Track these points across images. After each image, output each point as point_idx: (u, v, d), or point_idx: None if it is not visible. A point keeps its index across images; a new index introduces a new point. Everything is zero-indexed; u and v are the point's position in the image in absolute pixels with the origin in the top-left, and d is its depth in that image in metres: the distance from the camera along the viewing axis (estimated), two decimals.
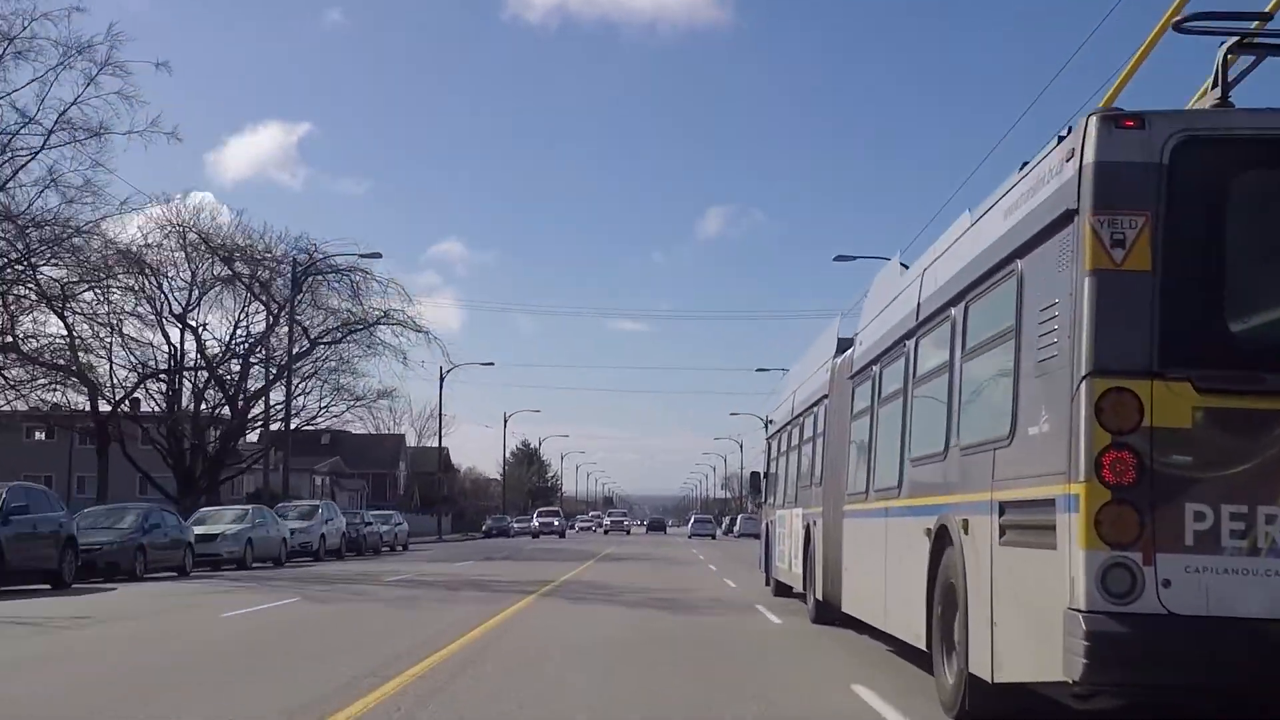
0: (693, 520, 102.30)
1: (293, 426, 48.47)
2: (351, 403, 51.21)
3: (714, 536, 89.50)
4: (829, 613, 14.27)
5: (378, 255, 44.89)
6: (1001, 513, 7.06)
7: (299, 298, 45.66)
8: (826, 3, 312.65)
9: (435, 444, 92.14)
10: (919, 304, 9.77)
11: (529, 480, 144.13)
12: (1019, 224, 7.09)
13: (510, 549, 48.05)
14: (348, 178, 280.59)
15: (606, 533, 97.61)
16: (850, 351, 13.53)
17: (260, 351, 48.06)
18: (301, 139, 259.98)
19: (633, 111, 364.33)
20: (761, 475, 23.31)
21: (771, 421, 22.74)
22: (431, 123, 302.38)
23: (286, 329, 45.30)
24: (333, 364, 49.82)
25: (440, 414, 75.56)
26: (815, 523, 14.86)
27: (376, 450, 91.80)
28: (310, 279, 46.16)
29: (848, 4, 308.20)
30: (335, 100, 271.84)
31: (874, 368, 11.64)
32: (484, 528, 79.54)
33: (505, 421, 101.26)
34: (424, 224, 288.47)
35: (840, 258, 39.76)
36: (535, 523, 77.24)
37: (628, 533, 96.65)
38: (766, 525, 21.48)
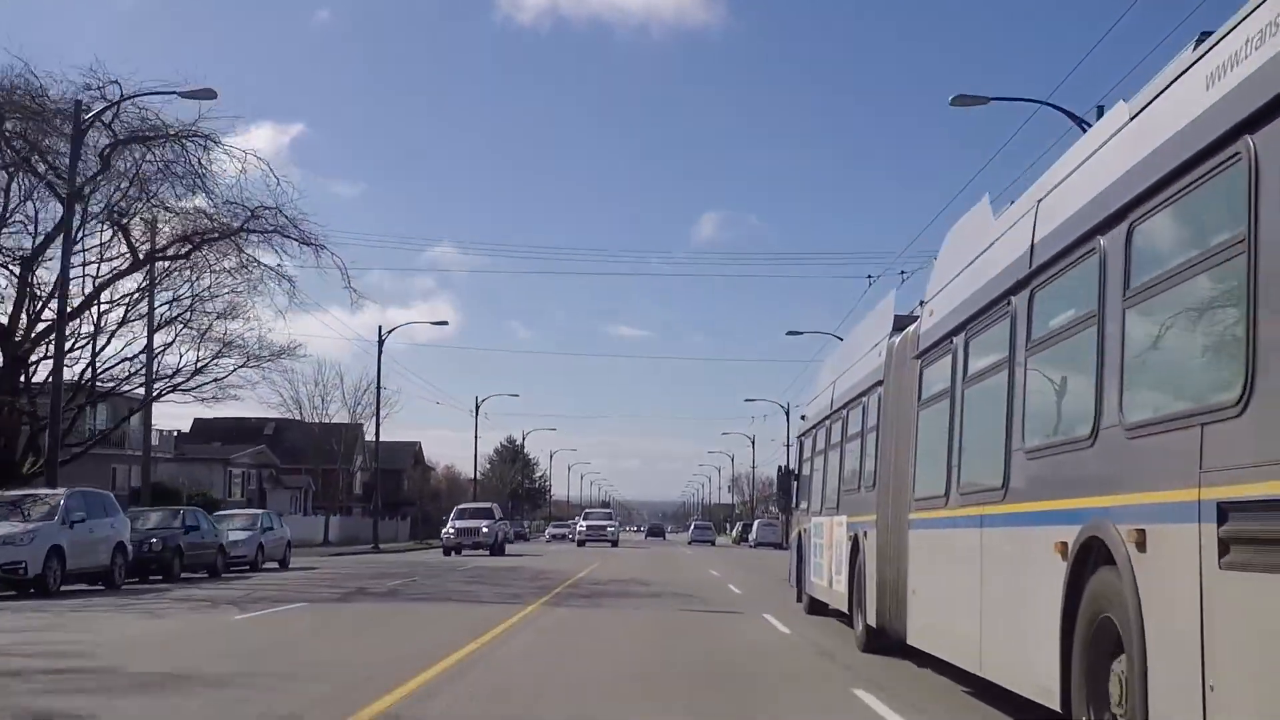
0: (693, 527, 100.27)
1: (152, 393, 35.31)
2: (236, 360, 37.04)
3: (713, 543, 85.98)
4: (881, 641, 11.90)
5: (210, 95, 26.85)
6: (1223, 519, 4.66)
7: (101, 176, 29.09)
8: (817, 4, 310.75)
9: (402, 438, 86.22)
10: (1033, 246, 7.40)
11: (513, 480, 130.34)
12: (1246, 87, 4.71)
13: (429, 572, 30.56)
14: (341, 180, 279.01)
15: (581, 544, 64.95)
16: (914, 327, 11.15)
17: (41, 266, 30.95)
18: (295, 140, 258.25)
19: (626, 115, 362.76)
20: (792, 476, 20.90)
21: (804, 417, 20.34)
22: (425, 126, 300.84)
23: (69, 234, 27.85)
24: (186, 296, 35.43)
25: (379, 385, 57.99)
26: (865, 533, 12.48)
27: (328, 443, 77.99)
28: (116, 146, 29.15)
29: (837, 5, 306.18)
30: (328, 101, 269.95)
31: (954, 340, 9.27)
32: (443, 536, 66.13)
33: (477, 407, 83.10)
34: (419, 228, 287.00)
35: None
36: (451, 528, 48.17)
37: (613, 544, 63.41)
38: (799, 534, 19.08)
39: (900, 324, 12.26)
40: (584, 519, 77.17)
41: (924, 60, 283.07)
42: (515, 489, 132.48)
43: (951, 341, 9.32)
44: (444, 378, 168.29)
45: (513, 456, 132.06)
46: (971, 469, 8.56)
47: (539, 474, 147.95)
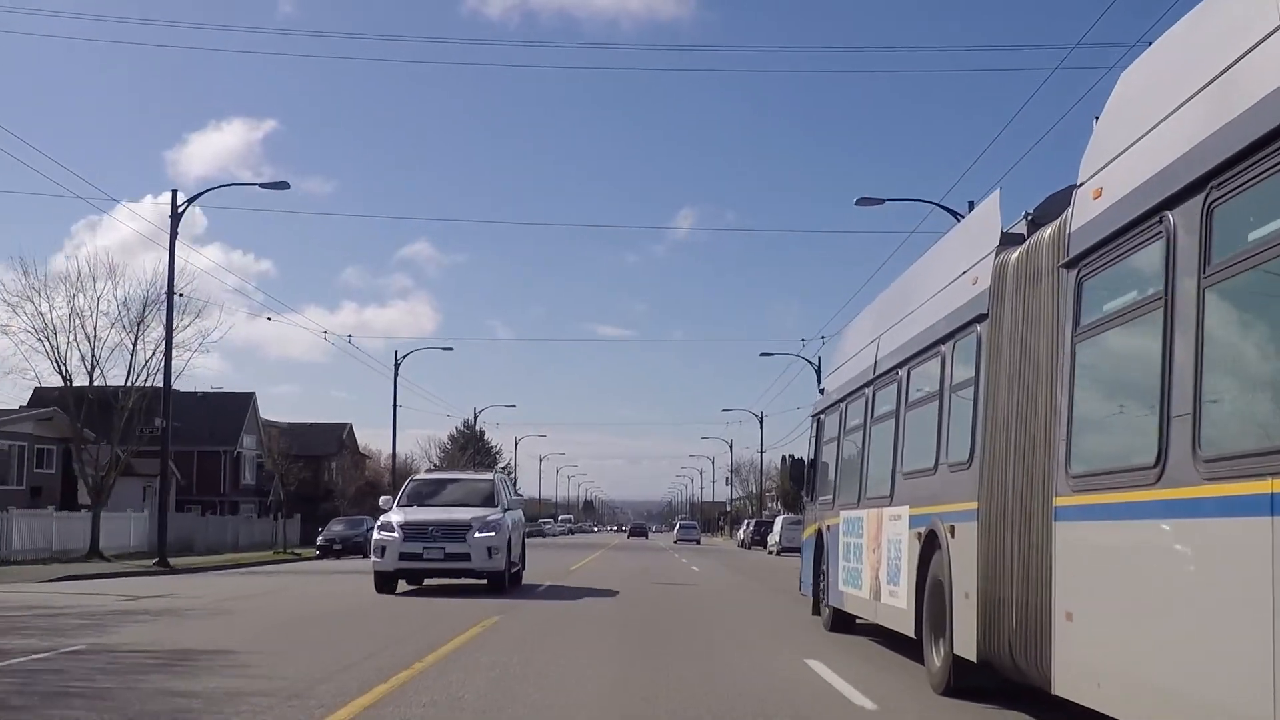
0: (678, 526, 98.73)
1: None
2: None
3: (698, 542, 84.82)
4: (979, 680, 8.41)
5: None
6: None
7: None
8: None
9: (332, 418, 75.64)
10: None
11: (468, 465, 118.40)
12: None
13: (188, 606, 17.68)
14: (314, 176, 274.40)
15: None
16: (1056, 226, 7.60)
17: None
18: (267, 136, 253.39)
19: (598, 110, 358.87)
20: (806, 465, 17.35)
21: (823, 391, 16.76)
22: (396, 121, 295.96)
23: None
24: None
25: (170, 301, 34.28)
26: (951, 529, 8.95)
27: (218, 418, 64.71)
28: None
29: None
30: (299, 98, 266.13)
31: (1169, 215, 5.71)
32: (320, 540, 47.10)
33: (396, 365, 61.90)
34: (393, 225, 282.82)
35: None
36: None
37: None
38: (819, 532, 15.54)
39: (1011, 240, 8.73)
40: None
41: (900, 37, 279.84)
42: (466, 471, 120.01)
43: (1164, 219, 5.75)
44: (424, 376, 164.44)
45: (469, 443, 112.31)
46: (1244, 417, 5.02)
47: (501, 464, 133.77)
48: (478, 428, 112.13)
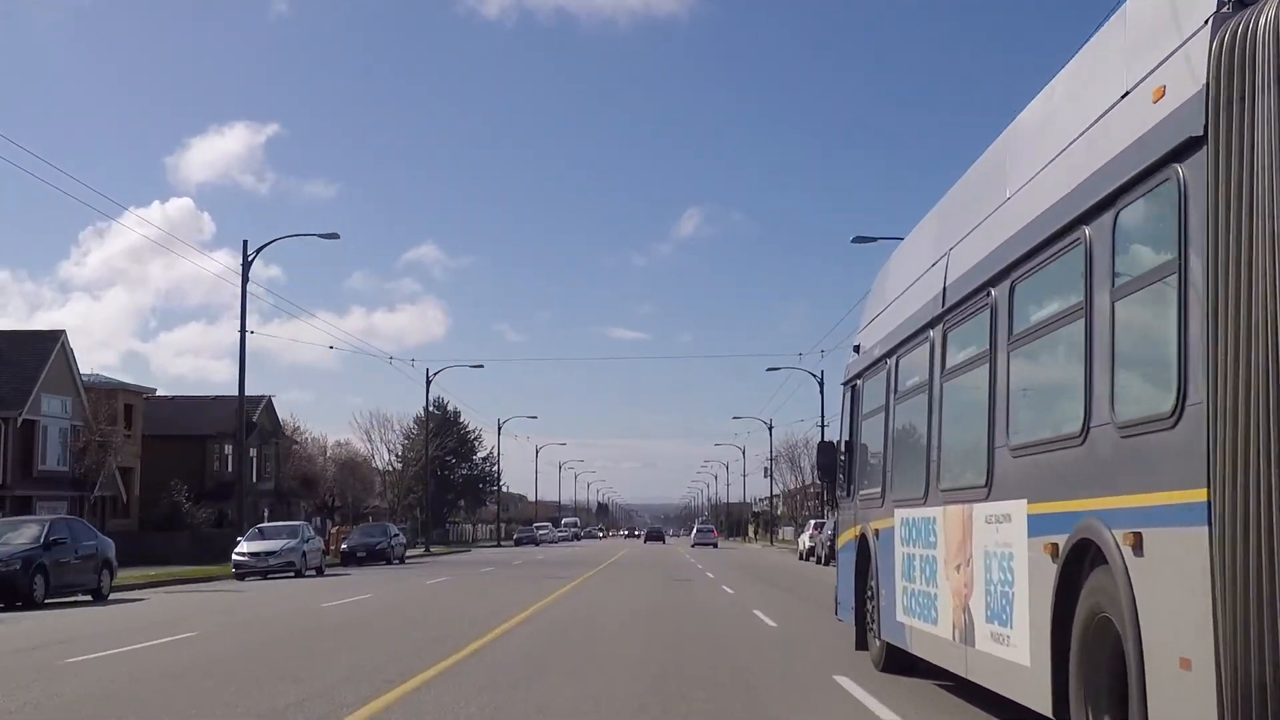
0: (695, 530, 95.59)
1: None
2: None
3: (715, 545, 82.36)
4: None
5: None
6: None
7: None
8: None
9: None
10: None
11: (437, 456, 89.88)
12: None
13: None
14: (317, 180, 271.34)
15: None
16: None
17: None
18: (270, 139, 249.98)
19: (600, 109, 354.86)
20: (839, 450, 13.32)
21: (858, 349, 12.70)
22: (397, 123, 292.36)
23: None
24: None
25: None
26: (1129, 541, 5.00)
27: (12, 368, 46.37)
28: None
29: None
30: (302, 101, 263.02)
31: None
32: (237, 555, 35.09)
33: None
34: (398, 228, 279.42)
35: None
36: None
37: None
38: (862, 537, 11.54)
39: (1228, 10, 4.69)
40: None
41: (900, 37, 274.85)
42: (445, 473, 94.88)
43: None
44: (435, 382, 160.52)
45: (443, 428, 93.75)
46: None
47: (481, 453, 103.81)
48: (451, 408, 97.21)
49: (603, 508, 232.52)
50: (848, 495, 12.77)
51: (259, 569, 34.36)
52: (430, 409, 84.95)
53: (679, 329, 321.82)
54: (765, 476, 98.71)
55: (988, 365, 7.45)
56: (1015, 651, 6.64)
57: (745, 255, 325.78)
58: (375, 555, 45.66)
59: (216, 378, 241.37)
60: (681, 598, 22.57)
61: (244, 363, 39.14)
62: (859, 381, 12.36)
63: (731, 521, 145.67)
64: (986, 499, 7.30)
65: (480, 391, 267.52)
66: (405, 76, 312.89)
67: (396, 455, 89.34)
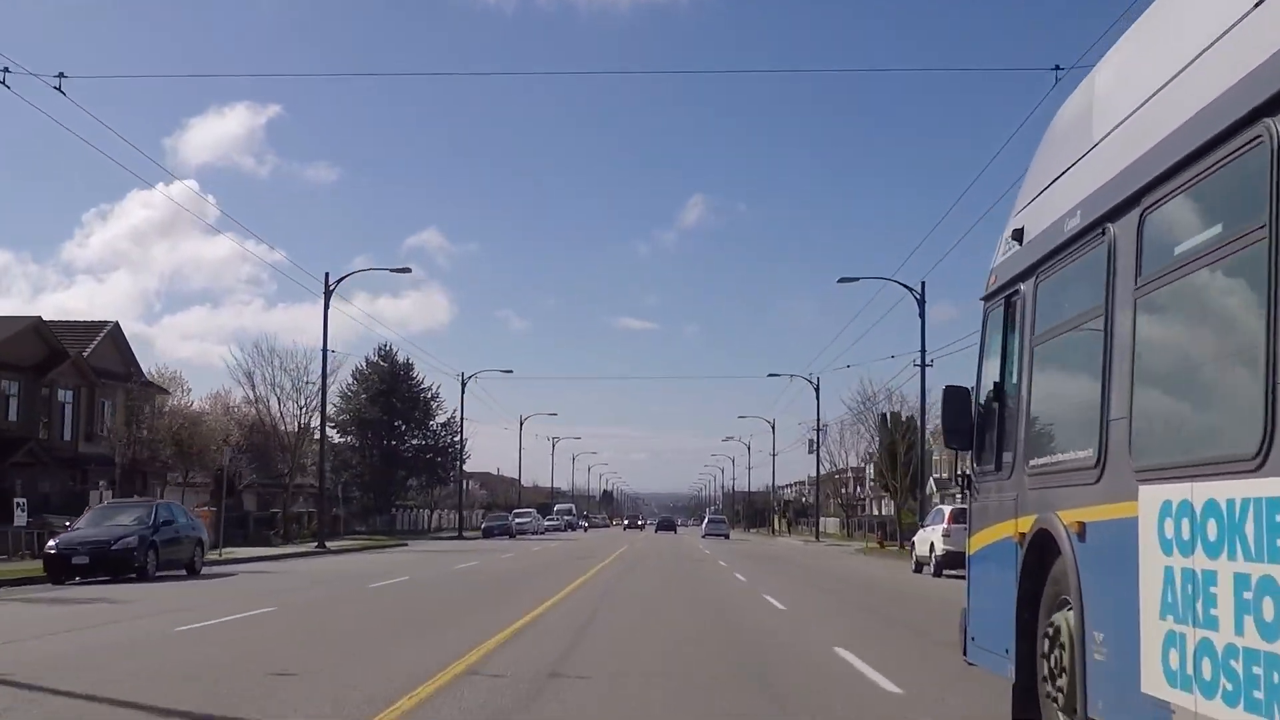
0: (706, 520, 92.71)
1: None
2: None
3: (727, 536, 79.04)
4: None
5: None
6: None
7: None
8: None
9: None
10: None
11: (383, 420, 72.99)
12: None
13: None
14: (319, 163, 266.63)
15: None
16: None
17: None
18: (270, 121, 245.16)
19: (601, 97, 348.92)
20: (980, 400, 8.56)
21: (1018, 239, 7.86)
22: (398, 107, 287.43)
23: None
24: None
25: None
26: None
27: None
28: None
29: None
30: (303, 83, 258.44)
31: None
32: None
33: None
34: (400, 213, 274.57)
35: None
36: None
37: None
38: (1035, 537, 6.84)
39: None
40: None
41: (909, 21, 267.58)
42: (389, 435, 75.02)
43: None
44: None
45: (387, 375, 75.33)
46: None
47: (438, 418, 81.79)
48: (402, 358, 79.17)
49: (607, 495, 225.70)
50: (997, 469, 8.02)
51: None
52: (376, 359, 72.76)
53: (691, 320, 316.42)
54: (810, 451, 76.71)
55: None
56: None
57: (746, 244, 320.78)
58: (111, 564, 25.61)
59: (220, 365, 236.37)
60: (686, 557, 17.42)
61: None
62: (1026, 285, 7.60)
63: (752, 511, 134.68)
64: None
65: (490, 386, 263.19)
66: (406, 62, 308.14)
67: (299, 406, 58.34)
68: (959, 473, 9.03)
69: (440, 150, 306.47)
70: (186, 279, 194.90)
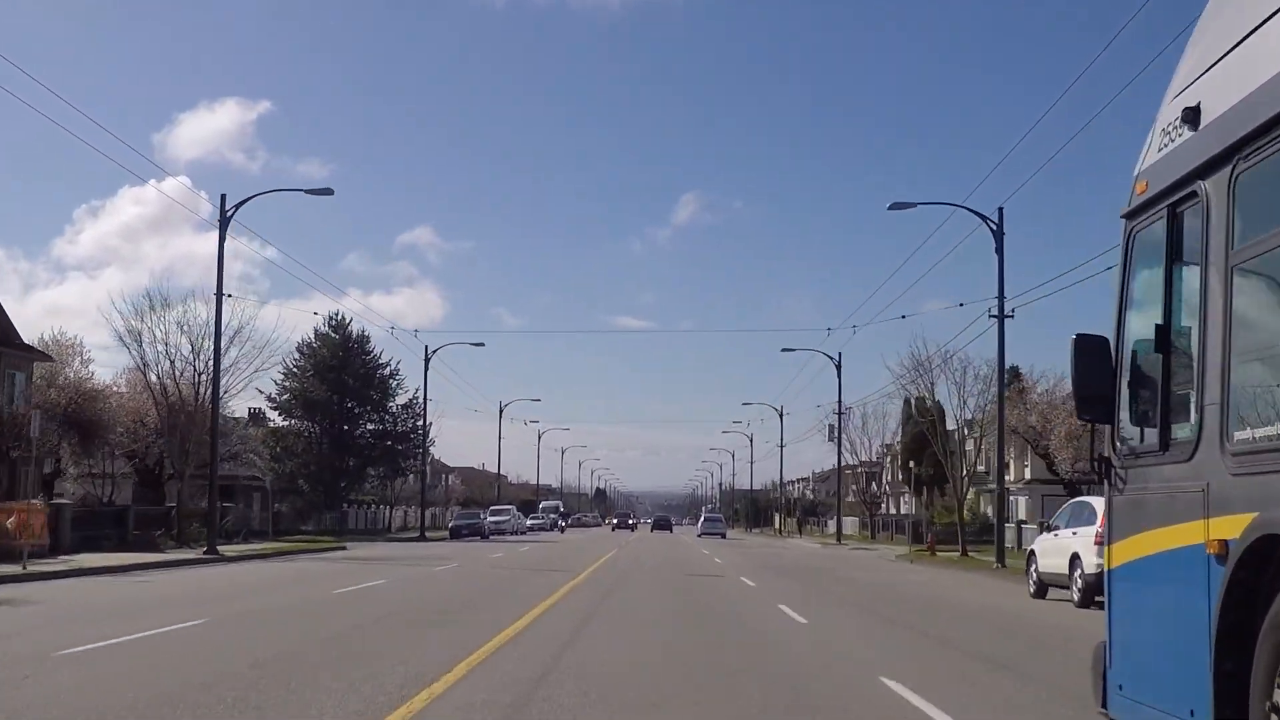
0: (703, 519, 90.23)
1: None
2: None
3: (724, 536, 77.04)
4: None
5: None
6: None
7: None
8: None
9: None
10: None
11: (333, 400, 63.52)
12: None
13: None
14: (310, 160, 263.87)
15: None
16: None
17: None
18: (261, 117, 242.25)
19: (596, 94, 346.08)
20: (1146, 349, 6.02)
21: (1194, 113, 5.62)
22: (390, 103, 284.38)
23: None
24: None
25: None
26: None
27: None
28: None
29: None
30: (294, 78, 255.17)
31: None
32: None
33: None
34: (393, 210, 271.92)
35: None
36: None
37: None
38: (1246, 551, 4.56)
39: None
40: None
41: (903, 15, 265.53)
42: (341, 418, 64.15)
43: None
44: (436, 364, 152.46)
45: (337, 353, 63.54)
46: None
47: (398, 399, 69.69)
48: (357, 330, 67.11)
49: (600, 493, 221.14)
50: (1163, 448, 5.76)
51: None
52: (327, 329, 61.00)
53: (681, 316, 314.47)
54: (829, 439, 68.28)
55: None
56: None
57: (743, 239, 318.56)
58: None
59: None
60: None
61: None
62: (1212, 184, 5.38)
63: (754, 510, 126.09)
64: None
65: (480, 376, 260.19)
66: (398, 57, 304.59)
67: (197, 373, 44.86)
68: (1095, 456, 6.70)
69: (433, 147, 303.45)
70: (180, 275, 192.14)
